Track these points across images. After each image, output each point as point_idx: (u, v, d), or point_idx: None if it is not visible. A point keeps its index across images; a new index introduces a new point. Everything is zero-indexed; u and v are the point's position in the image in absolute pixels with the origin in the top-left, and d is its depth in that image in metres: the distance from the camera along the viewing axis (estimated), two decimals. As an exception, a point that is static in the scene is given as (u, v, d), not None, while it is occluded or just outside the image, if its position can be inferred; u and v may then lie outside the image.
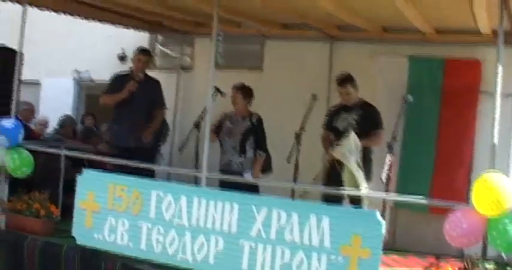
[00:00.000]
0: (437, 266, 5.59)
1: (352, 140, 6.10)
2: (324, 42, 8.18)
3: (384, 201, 5.58)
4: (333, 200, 5.82)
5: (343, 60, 8.00)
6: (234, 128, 6.89)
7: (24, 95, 8.59)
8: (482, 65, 7.26)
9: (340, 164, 6.14)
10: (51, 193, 6.76)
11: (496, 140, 4.52)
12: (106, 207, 5.56)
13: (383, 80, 7.71)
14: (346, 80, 6.65)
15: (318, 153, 7.79)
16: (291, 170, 6.23)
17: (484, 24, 6.35)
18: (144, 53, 7.31)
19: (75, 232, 5.70)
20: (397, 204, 7.33)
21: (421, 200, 4.89)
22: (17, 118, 7.33)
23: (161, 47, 10.06)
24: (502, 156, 4.69)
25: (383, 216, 5.04)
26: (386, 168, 5.37)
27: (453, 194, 6.67)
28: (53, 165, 7.24)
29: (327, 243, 4.54)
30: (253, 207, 4.87)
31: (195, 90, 8.87)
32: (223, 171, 6.75)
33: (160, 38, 9.90)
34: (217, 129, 6.94)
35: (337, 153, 6.16)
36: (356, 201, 6.06)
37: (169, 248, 5.24)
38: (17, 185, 6.45)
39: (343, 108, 6.73)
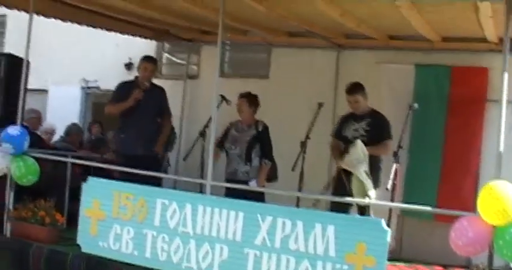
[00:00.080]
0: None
1: (360, 149, 6.08)
2: (331, 50, 8.18)
3: (390, 209, 5.55)
4: (341, 209, 5.80)
5: (350, 68, 7.99)
6: (239, 136, 6.86)
7: (32, 103, 8.65)
8: (489, 73, 7.21)
9: (348, 173, 6.11)
10: (58, 201, 6.79)
11: (502, 149, 4.48)
12: (111, 215, 5.57)
13: (389, 88, 7.68)
14: (354, 88, 6.62)
15: (323, 161, 7.83)
16: (296, 178, 6.21)
17: (491, 32, 6.33)
18: (150, 61, 7.31)
19: (80, 240, 5.71)
20: (404, 213, 7.29)
21: (427, 208, 4.85)
22: (24, 126, 7.40)
23: (168, 55, 10.10)
24: (509, 164, 4.63)
25: (388, 224, 5.02)
26: (391, 176, 5.35)
27: (460, 202, 6.62)
28: (60, 173, 7.27)
29: (331, 251, 4.54)
30: (258, 215, 4.87)
31: (201, 98, 8.87)
32: (228, 180, 6.71)
33: (167, 46, 9.92)
34: (223, 138, 6.93)
35: (346, 163, 6.14)
36: (364, 210, 6.03)
37: (174, 256, 5.24)
38: (22, 193, 6.45)
39: (352, 117, 6.70)
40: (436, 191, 7.35)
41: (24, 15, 6.68)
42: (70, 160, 6.95)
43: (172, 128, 8.45)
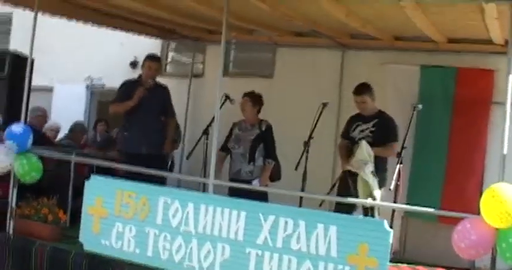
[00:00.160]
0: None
1: (365, 150, 6.07)
2: (336, 50, 8.16)
3: (393, 210, 5.54)
4: (345, 210, 5.80)
5: (355, 69, 7.98)
6: (243, 136, 6.85)
7: (37, 101, 8.66)
8: (495, 75, 7.18)
9: (353, 174, 6.10)
10: (61, 199, 6.79)
11: (505, 151, 4.46)
12: (113, 213, 5.56)
13: (394, 89, 7.65)
14: (362, 89, 6.61)
15: (327, 161, 7.82)
16: (299, 177, 6.20)
17: (496, 34, 6.30)
18: (154, 60, 7.30)
19: (82, 238, 5.71)
20: (408, 214, 7.29)
21: (429, 210, 4.82)
22: (29, 124, 7.40)
23: (174, 54, 10.10)
24: (513, 167, 4.62)
25: (391, 225, 5.01)
26: (394, 177, 5.34)
27: (464, 204, 6.56)
28: (64, 170, 7.27)
29: (333, 252, 4.53)
30: (260, 215, 4.86)
31: (205, 97, 8.87)
32: (232, 180, 6.70)
33: (172, 44, 9.92)
34: (227, 140, 6.93)
35: (352, 164, 6.13)
36: (369, 211, 6.02)
37: (176, 255, 5.23)
38: (26, 190, 6.45)
39: (360, 118, 6.70)
40: (441, 193, 7.32)
41: (29, 13, 6.68)
42: (74, 158, 6.93)
43: (178, 127, 8.46)
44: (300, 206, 5.86)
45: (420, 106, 6.09)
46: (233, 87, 7.52)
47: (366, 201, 5.60)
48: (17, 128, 6.16)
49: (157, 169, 6.10)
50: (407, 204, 6.50)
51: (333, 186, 6.50)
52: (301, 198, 6.00)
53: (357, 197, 5.96)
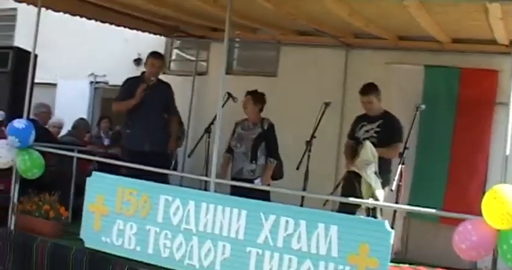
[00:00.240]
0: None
1: (369, 150, 6.05)
2: (339, 49, 8.14)
3: (395, 210, 5.53)
4: (349, 210, 5.77)
5: (358, 68, 7.95)
6: (245, 134, 6.83)
7: (40, 97, 8.66)
8: (499, 75, 7.15)
9: (358, 174, 6.08)
10: (63, 195, 6.80)
11: (508, 152, 4.43)
12: (114, 211, 5.57)
13: (398, 89, 7.62)
14: (368, 88, 6.59)
15: (330, 160, 7.81)
16: (302, 176, 6.19)
17: (501, 34, 6.28)
18: (157, 58, 7.28)
19: (83, 235, 5.73)
20: (410, 214, 7.27)
21: (431, 210, 4.80)
22: (34, 120, 7.42)
23: (178, 51, 10.10)
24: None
25: (392, 225, 5.00)
26: (396, 177, 5.32)
27: (467, 204, 6.53)
28: (66, 167, 7.28)
29: (334, 252, 4.52)
30: (261, 214, 4.85)
31: (209, 95, 8.85)
32: (234, 179, 6.67)
33: (176, 42, 9.92)
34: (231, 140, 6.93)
35: (355, 165, 6.12)
36: (372, 211, 6.00)
37: (177, 253, 5.23)
38: (28, 186, 6.45)
39: (366, 118, 6.68)
40: (443, 193, 7.30)
41: (34, 9, 6.66)
42: (76, 155, 6.93)
43: (182, 124, 8.45)
44: (302, 205, 5.85)
45: (423, 106, 6.06)
46: (237, 85, 7.49)
47: (367, 201, 5.57)
48: (19, 123, 6.16)
49: (160, 167, 6.06)
50: (410, 204, 6.49)
51: (337, 185, 6.48)
52: (302, 197, 5.99)
53: (361, 197, 5.93)
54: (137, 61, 9.90)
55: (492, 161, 7.10)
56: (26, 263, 6.05)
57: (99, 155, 7.56)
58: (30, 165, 6.13)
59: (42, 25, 6.45)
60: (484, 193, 4.29)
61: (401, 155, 5.56)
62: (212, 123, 6.57)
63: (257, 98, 6.84)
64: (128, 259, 5.50)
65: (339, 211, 6.09)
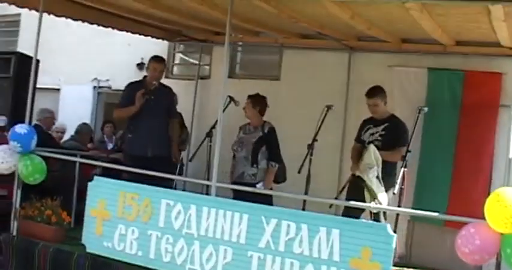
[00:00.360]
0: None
1: (372, 153, 6.02)
2: (342, 52, 8.10)
3: (397, 214, 5.49)
4: (353, 213, 5.77)
5: (362, 71, 7.93)
6: (246, 138, 6.82)
7: (44, 102, 8.67)
8: (503, 78, 7.13)
9: (362, 178, 6.06)
10: (66, 200, 6.79)
11: (511, 155, 4.40)
12: (116, 215, 5.56)
13: (402, 92, 7.60)
14: (374, 91, 6.57)
15: (333, 164, 7.78)
16: (304, 180, 6.16)
17: (504, 36, 6.24)
18: (159, 62, 7.25)
19: (85, 240, 5.72)
20: (414, 218, 7.23)
21: (433, 213, 4.76)
22: (38, 125, 7.41)
23: (181, 55, 10.10)
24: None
25: (395, 229, 4.96)
26: (398, 181, 5.29)
27: (471, 207, 6.48)
28: (68, 172, 7.27)
29: (336, 255, 4.51)
30: (263, 217, 4.84)
31: (212, 99, 8.84)
32: (235, 183, 6.64)
33: (179, 46, 9.92)
34: None
35: (359, 168, 6.09)
36: (377, 215, 5.98)
37: (178, 258, 5.22)
38: (30, 191, 6.44)
39: (372, 121, 6.66)
40: (447, 196, 7.25)
41: (37, 15, 6.65)
42: (78, 159, 6.92)
43: (185, 127, 8.44)
44: (304, 209, 5.83)
45: (426, 109, 6.02)
46: (239, 89, 7.51)
47: (370, 205, 5.54)
48: (21, 128, 6.14)
49: (163, 172, 6.03)
50: (414, 208, 6.45)
51: (343, 188, 6.45)
52: (304, 201, 5.97)
53: (365, 201, 5.91)
54: (140, 65, 9.90)
55: (496, 164, 7.03)
56: (28, 268, 6.04)
57: (101, 160, 7.54)
58: (32, 170, 6.11)
59: (46, 31, 6.45)
60: (488, 196, 4.26)
61: (403, 158, 5.52)
62: (214, 127, 6.55)
63: (256, 101, 6.81)
64: (129, 264, 5.48)
65: (344, 215, 6.08)
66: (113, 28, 8.22)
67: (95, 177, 5.79)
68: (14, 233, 6.23)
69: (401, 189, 5.36)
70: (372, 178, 5.94)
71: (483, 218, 4.19)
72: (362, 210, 6.06)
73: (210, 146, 6.81)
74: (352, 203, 5.52)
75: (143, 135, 7.06)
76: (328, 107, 6.44)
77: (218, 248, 5.00)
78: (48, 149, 6.46)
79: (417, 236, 7.44)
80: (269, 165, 6.72)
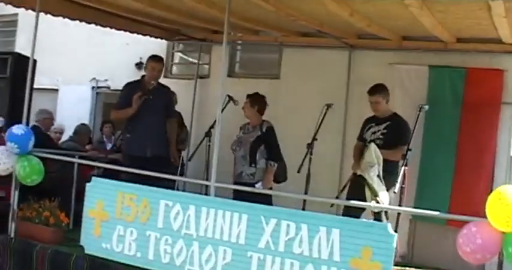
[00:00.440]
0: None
1: (373, 152, 5.98)
2: (343, 50, 8.04)
3: (398, 213, 5.45)
4: (354, 212, 5.73)
5: (362, 69, 7.87)
6: (244, 138, 6.80)
7: (42, 102, 8.63)
8: (505, 75, 7.07)
9: (364, 177, 6.01)
10: (64, 201, 6.75)
11: (513, 152, 4.36)
12: (114, 216, 5.51)
13: (403, 89, 7.54)
14: (375, 89, 6.56)
15: (334, 162, 7.74)
16: (304, 179, 6.12)
17: (506, 33, 6.18)
18: (158, 61, 7.21)
19: (83, 241, 5.67)
20: (415, 217, 7.18)
21: (434, 212, 4.72)
22: (37, 126, 7.37)
23: (180, 54, 10.06)
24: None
25: (396, 228, 4.92)
26: (399, 179, 5.24)
27: (473, 206, 6.41)
28: (67, 173, 7.23)
29: (336, 255, 4.47)
30: (262, 217, 4.80)
31: (211, 99, 8.77)
32: (235, 183, 6.63)
33: (177, 45, 9.87)
34: None
35: (361, 167, 6.04)
36: (375, 215, 5.94)
37: (177, 259, 5.18)
38: (28, 192, 6.40)
39: (374, 120, 6.64)
40: (449, 195, 7.18)
41: (35, 14, 6.64)
42: (76, 160, 6.87)
43: (185, 127, 8.39)
44: (303, 209, 5.79)
45: (426, 107, 5.99)
46: (239, 88, 7.47)
47: (370, 204, 5.49)
48: (18, 129, 6.09)
49: (162, 172, 5.97)
50: (415, 207, 6.41)
51: (344, 187, 6.41)
52: (304, 201, 5.93)
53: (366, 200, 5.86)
54: (139, 65, 9.86)
55: (498, 162, 6.98)
56: (27, 270, 6.01)
57: (100, 161, 7.49)
58: (30, 171, 6.07)
59: (44, 31, 6.42)
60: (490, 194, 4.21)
61: (404, 156, 5.47)
62: (212, 126, 6.51)
63: (254, 100, 6.78)
64: (128, 265, 5.43)
65: (344, 214, 6.04)
66: (111, 28, 8.17)
67: (93, 178, 5.75)
68: (12, 235, 6.20)
69: (402, 187, 5.32)
70: (373, 176, 5.90)
71: (486, 216, 4.14)
72: (363, 209, 6.02)
73: (209, 145, 6.77)
74: (353, 202, 5.47)
75: (142, 135, 7.02)
76: (328, 106, 6.40)
77: (217, 249, 4.96)
78: (46, 150, 6.41)
79: (419, 235, 7.38)
80: (268, 165, 6.68)
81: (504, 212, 3.98)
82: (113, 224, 5.50)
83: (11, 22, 11.37)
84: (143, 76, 7.27)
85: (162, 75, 7.67)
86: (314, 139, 6.25)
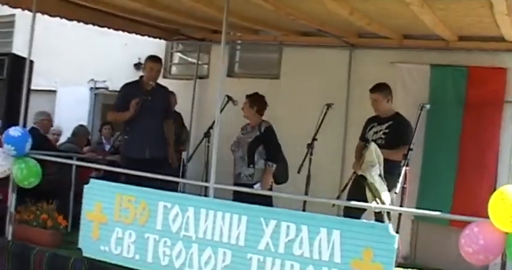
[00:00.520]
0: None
1: (373, 151, 5.93)
2: (343, 49, 7.99)
3: (400, 214, 5.40)
4: (354, 213, 5.70)
5: (363, 68, 7.82)
6: (242, 138, 6.76)
7: (40, 103, 8.58)
8: (507, 73, 7.01)
9: (365, 177, 5.95)
10: (62, 204, 6.69)
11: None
12: (113, 219, 5.46)
13: (404, 88, 7.49)
14: (376, 87, 6.54)
15: (335, 162, 7.69)
16: (304, 180, 6.06)
17: (508, 31, 6.12)
18: (156, 61, 7.15)
19: (81, 244, 5.62)
20: (417, 218, 7.12)
21: (436, 213, 4.66)
22: (34, 128, 7.31)
23: (179, 54, 10.01)
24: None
25: (397, 229, 4.86)
26: (400, 180, 5.19)
27: (476, 206, 6.36)
28: (65, 175, 7.18)
29: (337, 257, 4.43)
30: (262, 219, 4.75)
31: (210, 99, 8.72)
32: (234, 184, 6.59)
33: (176, 45, 9.83)
34: None
35: (361, 168, 5.98)
36: (377, 215, 5.90)
37: (176, 261, 5.13)
38: (25, 195, 6.35)
39: (376, 120, 6.61)
40: (452, 195, 7.14)
41: (31, 15, 6.60)
42: (74, 162, 6.82)
43: (185, 127, 8.34)
44: (304, 210, 5.74)
45: (428, 106, 5.94)
46: (239, 88, 7.42)
47: (372, 205, 5.44)
48: (14, 131, 6.04)
49: (161, 174, 5.90)
50: (417, 207, 6.35)
51: (345, 186, 6.35)
52: (304, 202, 5.88)
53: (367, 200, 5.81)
54: (137, 66, 9.81)
55: (501, 161, 6.94)
56: (24, 274, 5.96)
57: (98, 163, 7.44)
58: (27, 173, 6.01)
59: (41, 31, 6.36)
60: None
61: (405, 156, 5.41)
62: (211, 127, 6.45)
63: (253, 100, 6.73)
64: (127, 268, 5.38)
65: (345, 214, 6.00)
66: (109, 28, 8.12)
67: (91, 180, 5.70)
68: (9, 238, 6.14)
69: (403, 188, 5.26)
70: (375, 176, 5.86)
71: (488, 217, 4.07)
72: (363, 210, 5.97)
73: (208, 146, 6.70)
74: (354, 203, 5.41)
75: (140, 136, 6.96)
76: (328, 106, 6.36)
77: (217, 251, 4.91)
78: (43, 152, 6.35)
79: (422, 236, 7.32)
80: (267, 166, 6.62)
81: (507, 212, 3.92)
82: (111, 227, 5.45)
83: (8, 23, 11.35)
84: (141, 77, 7.21)
85: (161, 75, 7.61)
86: (314, 139, 6.20)
